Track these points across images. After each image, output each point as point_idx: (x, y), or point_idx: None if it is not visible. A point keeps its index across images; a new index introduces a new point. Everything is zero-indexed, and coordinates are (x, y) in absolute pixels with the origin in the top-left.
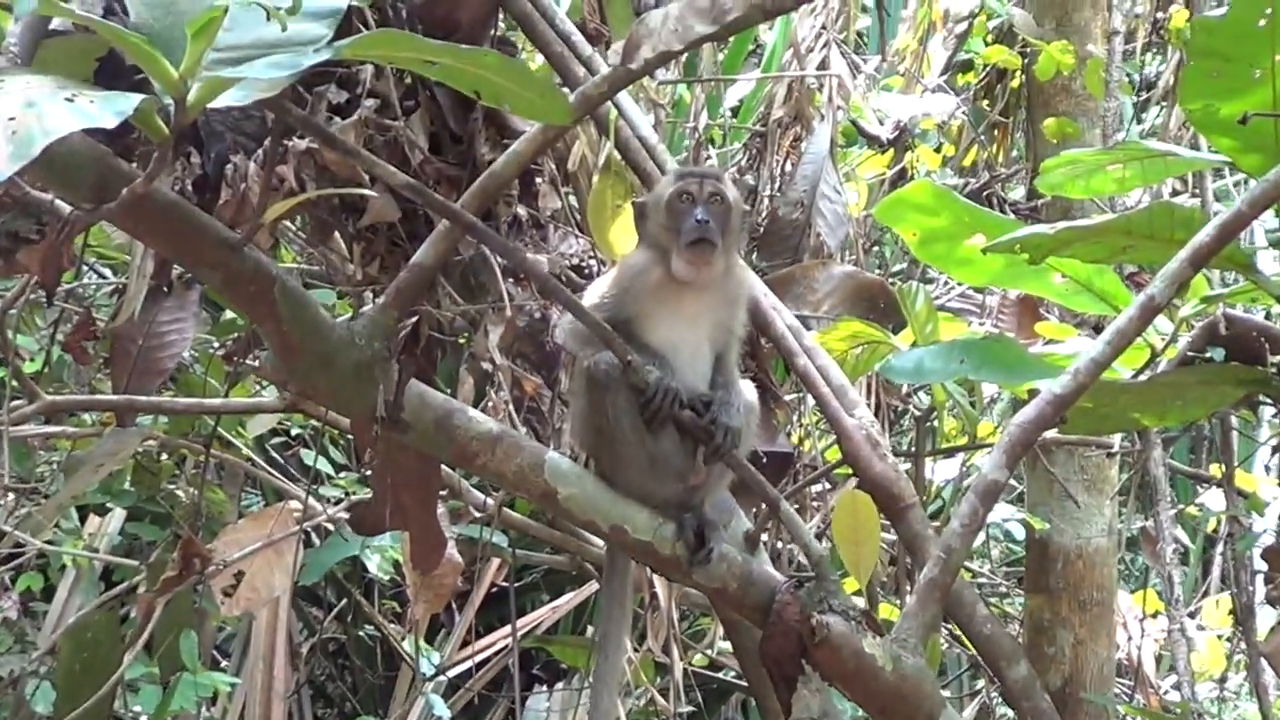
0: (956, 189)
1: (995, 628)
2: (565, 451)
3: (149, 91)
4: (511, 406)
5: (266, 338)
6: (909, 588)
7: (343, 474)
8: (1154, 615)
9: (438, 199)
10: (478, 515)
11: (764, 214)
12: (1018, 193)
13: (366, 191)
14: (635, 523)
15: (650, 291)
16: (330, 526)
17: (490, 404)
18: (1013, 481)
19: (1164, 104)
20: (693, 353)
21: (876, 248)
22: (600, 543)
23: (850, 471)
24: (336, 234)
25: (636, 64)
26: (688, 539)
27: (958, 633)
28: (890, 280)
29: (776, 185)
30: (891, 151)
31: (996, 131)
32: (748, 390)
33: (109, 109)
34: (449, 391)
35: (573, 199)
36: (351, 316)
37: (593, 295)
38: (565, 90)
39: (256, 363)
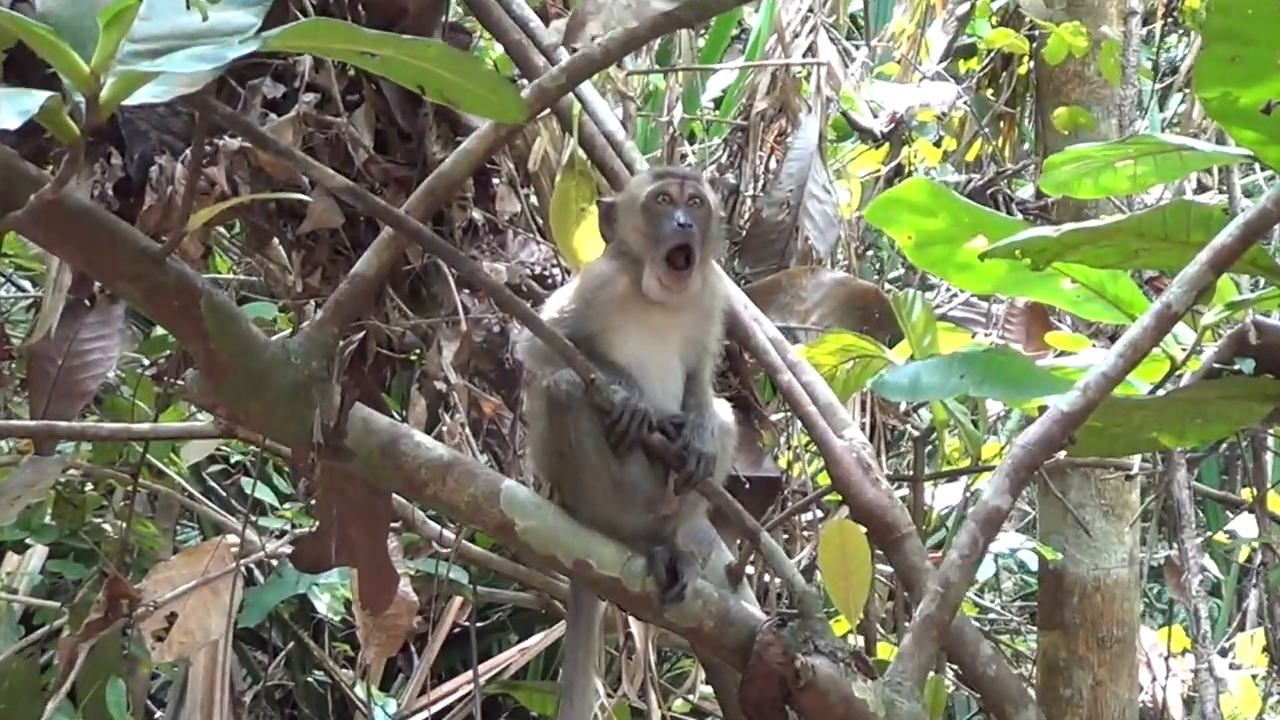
0: (958, 187)
1: (1001, 668)
2: (527, 479)
3: (60, 88)
4: (468, 430)
5: (194, 356)
6: (907, 624)
7: (287, 504)
8: (1180, 653)
9: (380, 204)
10: (436, 548)
11: (746, 216)
12: (1026, 190)
13: (305, 196)
14: (601, 557)
15: (616, 304)
16: (273, 562)
17: (445, 428)
18: (1027, 507)
19: (1186, 90)
20: (663, 371)
21: (871, 252)
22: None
23: (842, 498)
24: (275, 241)
25: (583, 43)
26: (659, 574)
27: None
28: (886, 288)
29: (760, 184)
30: (887, 146)
31: (1002, 123)
32: (723, 411)
33: (11, 108)
34: (401, 415)
35: (534, 200)
36: (291, 332)
37: (553, 308)
38: (523, 83)
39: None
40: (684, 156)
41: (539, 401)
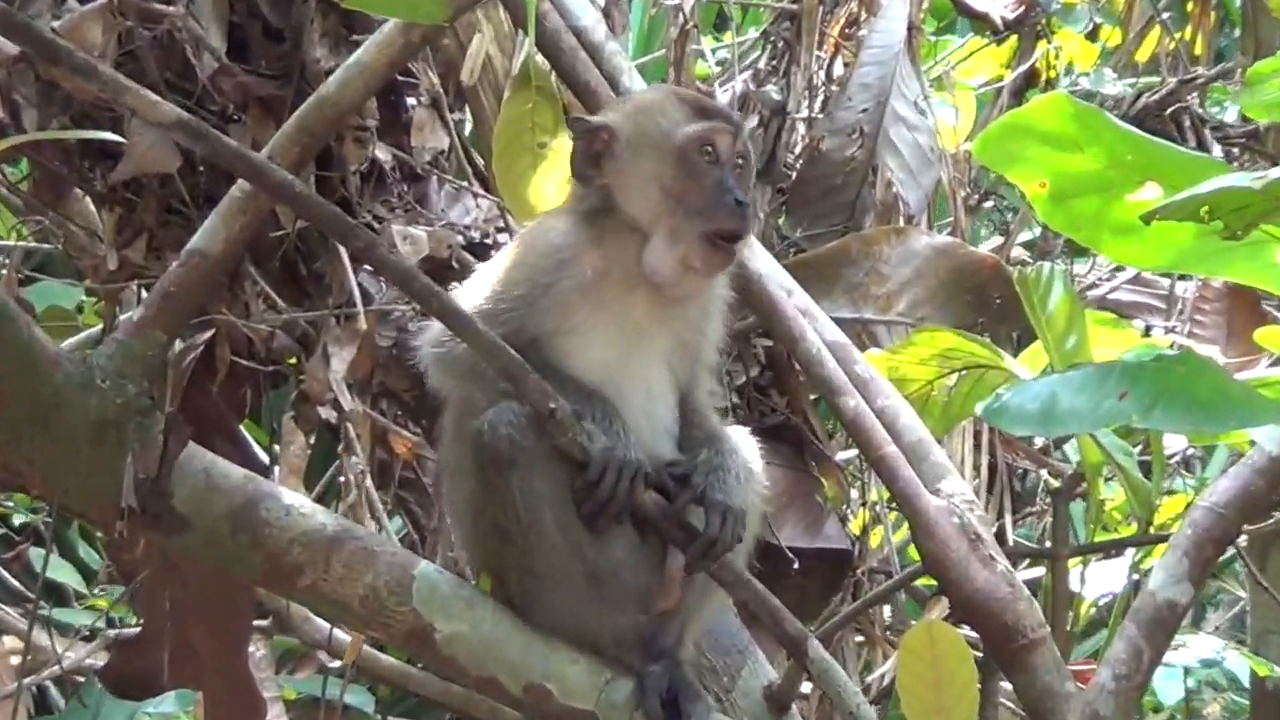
0: (1119, 105)
1: None
2: (462, 559)
3: None
4: (370, 481)
5: None
6: None
7: (99, 589)
8: None
9: (231, 144)
10: (325, 660)
11: (797, 149)
12: (1229, 113)
13: (118, 137)
14: (565, 680)
15: (581, 290)
16: (78, 678)
17: (341, 477)
18: (1238, 590)
19: None
20: (645, 390)
21: (990, 203)
22: None
23: (937, 584)
24: (78, 193)
25: None
26: (651, 709)
27: None
28: (1012, 260)
29: (818, 101)
30: (1013, 41)
31: (1191, 6)
32: (743, 443)
33: None
34: (268, 461)
35: (470, 129)
36: (99, 338)
37: (480, 292)
38: None
39: None
40: (719, 77)
41: (463, 450)
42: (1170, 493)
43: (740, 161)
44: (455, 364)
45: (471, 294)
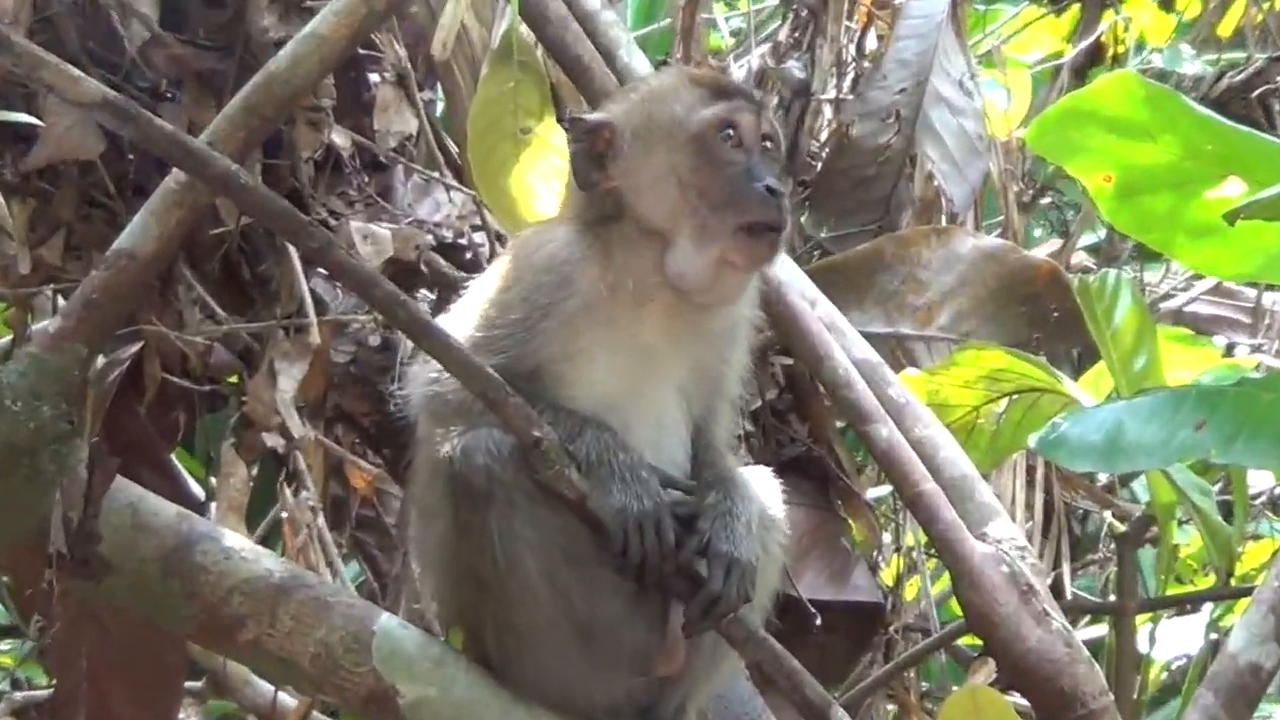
0: (1198, 86)
1: None
2: (429, 612)
3: None
4: (323, 520)
5: None
6: None
7: (5, 642)
8: None
9: (164, 127)
10: None
11: (823, 135)
12: None
13: (27, 118)
14: None
15: (587, 310)
16: None
17: (286, 513)
18: None
19: None
20: (657, 422)
21: (1048, 200)
22: None
23: (984, 644)
24: None
25: None
26: None
27: None
28: (1073, 266)
29: (848, 80)
30: (1076, 10)
31: None
32: (759, 484)
33: None
34: (204, 495)
35: (442, 111)
36: (7, 354)
37: (471, 316)
38: None
39: None
40: (736, 48)
41: (437, 485)
42: (1255, 538)
43: (767, 144)
44: (442, 406)
45: (461, 320)
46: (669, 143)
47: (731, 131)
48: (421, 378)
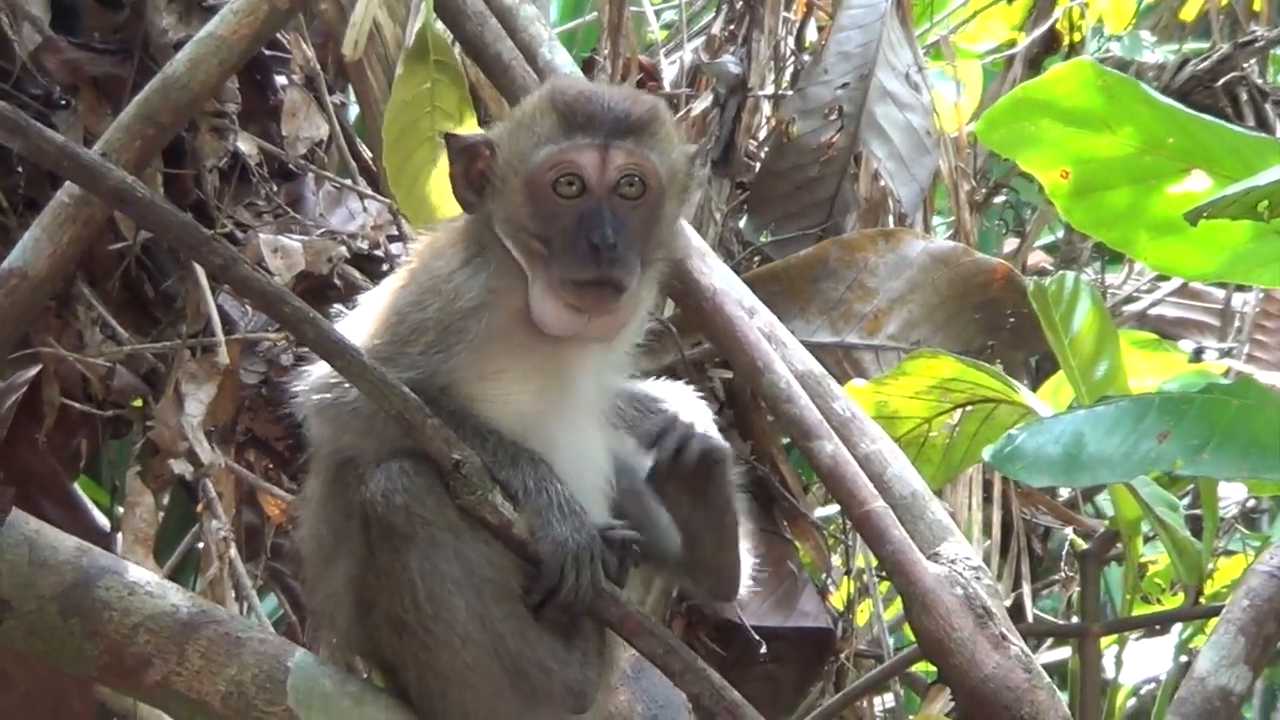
0: (1160, 75)
1: None
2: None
3: None
4: (235, 551)
5: None
6: None
7: None
8: None
9: (56, 138)
10: None
11: (761, 134)
12: None
13: None
14: None
15: (500, 334)
16: None
17: (200, 545)
18: None
19: None
20: (579, 448)
21: (1002, 198)
22: None
23: (938, 671)
24: None
25: None
26: None
27: None
28: (1028, 268)
29: (787, 75)
30: None
31: None
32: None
33: None
34: (109, 527)
35: (356, 114)
36: None
37: (376, 331)
38: None
39: None
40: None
41: (342, 522)
42: (1227, 554)
43: (631, 184)
44: (347, 417)
45: (365, 331)
46: (515, 180)
47: (569, 177)
48: (318, 380)
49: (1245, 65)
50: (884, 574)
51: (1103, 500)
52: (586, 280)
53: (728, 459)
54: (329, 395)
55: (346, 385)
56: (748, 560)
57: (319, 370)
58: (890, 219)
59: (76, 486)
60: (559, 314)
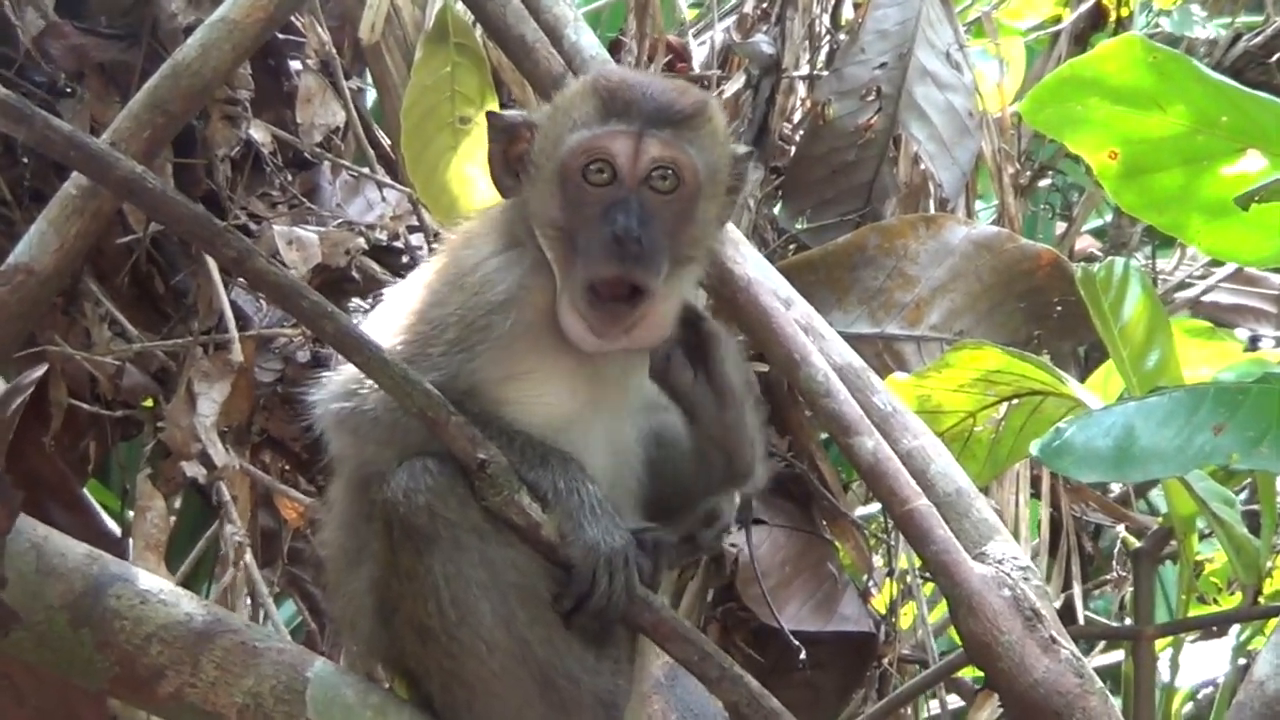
0: (1212, 51)
1: None
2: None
3: None
4: (251, 557)
5: None
6: None
7: None
8: None
9: (63, 127)
10: None
11: (796, 117)
12: None
13: None
14: None
15: (529, 332)
16: None
17: (216, 547)
18: None
19: None
20: (612, 449)
21: (1045, 182)
22: None
23: (985, 676)
24: None
25: None
26: None
27: None
28: (1078, 256)
29: (823, 54)
30: None
31: None
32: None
33: None
34: (119, 532)
35: (374, 100)
36: None
37: (400, 329)
38: None
39: None
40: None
41: (362, 525)
42: None
43: (663, 177)
44: (367, 427)
45: (386, 330)
46: (548, 165)
47: (599, 164)
48: (337, 388)
49: None
50: (928, 575)
51: (1156, 496)
52: (606, 279)
53: (721, 334)
54: (348, 404)
55: (365, 393)
56: (760, 439)
57: (336, 378)
58: (931, 204)
59: (85, 490)
60: (577, 323)
